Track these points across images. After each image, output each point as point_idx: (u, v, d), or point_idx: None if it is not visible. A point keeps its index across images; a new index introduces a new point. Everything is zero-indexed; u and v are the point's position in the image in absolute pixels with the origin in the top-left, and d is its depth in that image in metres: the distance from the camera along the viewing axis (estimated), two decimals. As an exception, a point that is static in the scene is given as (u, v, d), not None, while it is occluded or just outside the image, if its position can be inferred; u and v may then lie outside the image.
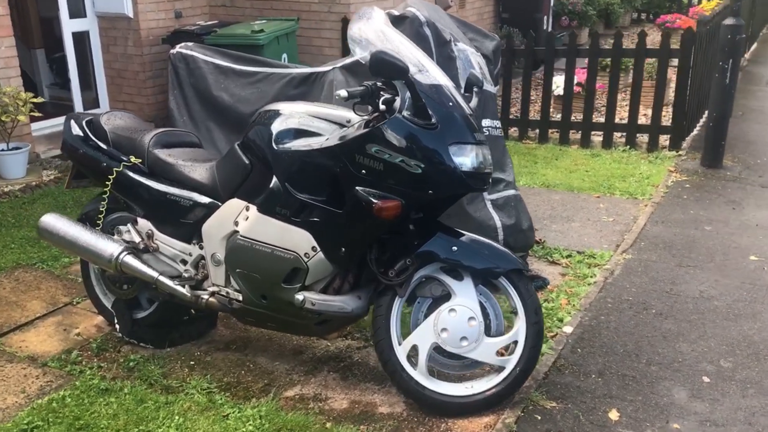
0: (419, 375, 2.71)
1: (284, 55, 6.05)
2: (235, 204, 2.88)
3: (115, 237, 3.14)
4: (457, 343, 2.64)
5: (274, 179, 2.72)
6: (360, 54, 2.62)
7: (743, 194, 5.31)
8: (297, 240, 2.69)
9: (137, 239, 3.09)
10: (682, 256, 4.20)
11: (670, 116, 6.49)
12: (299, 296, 2.73)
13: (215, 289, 2.96)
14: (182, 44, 4.59)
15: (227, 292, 2.94)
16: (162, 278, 3.04)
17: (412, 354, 2.73)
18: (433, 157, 2.48)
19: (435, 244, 2.63)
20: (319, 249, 2.66)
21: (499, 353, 2.70)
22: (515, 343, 2.69)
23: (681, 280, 3.90)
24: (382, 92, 2.55)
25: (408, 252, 2.65)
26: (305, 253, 2.69)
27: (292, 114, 2.80)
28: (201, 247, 2.99)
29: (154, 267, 3.08)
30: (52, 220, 3.21)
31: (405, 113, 2.50)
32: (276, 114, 2.81)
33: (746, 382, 2.94)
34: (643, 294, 3.72)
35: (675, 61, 6.39)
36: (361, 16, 2.75)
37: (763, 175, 5.74)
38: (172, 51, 4.60)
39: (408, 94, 2.51)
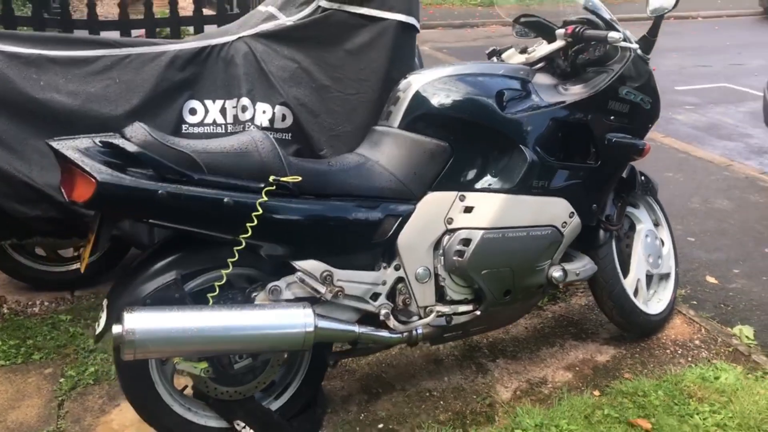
0: (643, 305, 2.75)
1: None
2: (438, 199, 2.23)
3: (279, 300, 2.01)
4: (657, 263, 2.79)
5: (524, 151, 2.25)
6: None
7: None
8: (555, 211, 2.34)
9: (322, 288, 2.06)
10: None
11: None
12: (557, 273, 2.38)
13: (442, 310, 2.26)
14: None
15: (450, 310, 2.29)
16: (364, 329, 2.14)
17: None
18: (655, 90, 2.53)
19: (633, 181, 2.69)
20: (575, 213, 2.39)
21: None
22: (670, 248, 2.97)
23: None
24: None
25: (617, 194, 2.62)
26: (563, 223, 2.36)
27: (476, 72, 2.33)
28: (397, 268, 2.21)
29: (346, 318, 2.14)
30: (146, 320, 1.81)
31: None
32: (456, 78, 2.28)
33: None
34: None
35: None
36: None
37: None
38: None
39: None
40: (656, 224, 2.85)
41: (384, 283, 2.19)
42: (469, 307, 2.32)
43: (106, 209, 1.87)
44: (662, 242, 2.86)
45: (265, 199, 1.93)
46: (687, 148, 5.47)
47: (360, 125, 2.97)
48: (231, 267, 1.94)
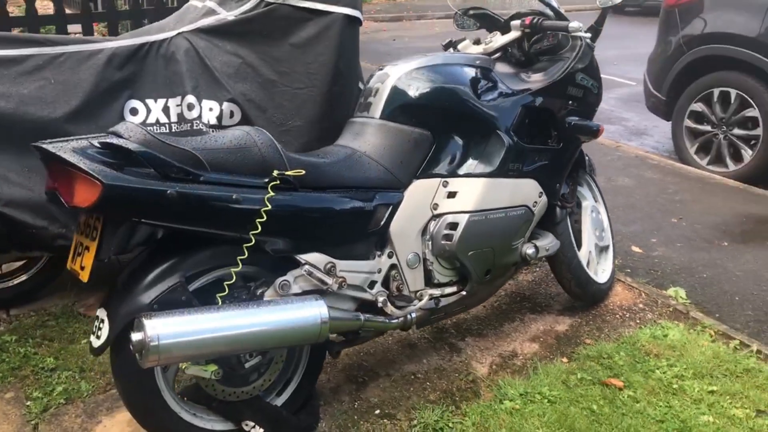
0: (594, 275, 2.95)
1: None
2: (423, 186, 2.31)
3: (288, 294, 2.00)
4: (601, 237, 3.01)
5: (501, 136, 2.36)
6: None
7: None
8: (527, 191, 2.48)
9: (329, 280, 2.06)
10: None
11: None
12: (530, 250, 2.53)
13: (432, 293, 2.33)
14: None
15: (439, 293, 2.37)
16: (367, 316, 2.17)
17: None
18: (600, 76, 2.73)
19: (583, 161, 2.88)
20: (543, 193, 2.54)
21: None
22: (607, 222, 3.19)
23: None
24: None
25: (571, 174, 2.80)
26: (534, 202, 2.51)
27: (450, 63, 2.41)
28: (390, 256, 2.25)
29: (350, 308, 2.16)
30: (168, 325, 1.74)
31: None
32: (432, 69, 2.35)
33: None
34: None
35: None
36: None
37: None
38: None
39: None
40: (595, 200, 3.08)
41: (379, 271, 2.23)
42: (455, 288, 2.41)
43: (113, 212, 1.78)
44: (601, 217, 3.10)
45: (273, 194, 1.91)
46: (579, 133, 5.89)
47: (311, 119, 2.98)
48: (241, 265, 1.91)
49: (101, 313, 1.90)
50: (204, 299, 1.92)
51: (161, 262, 1.92)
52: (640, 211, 4.15)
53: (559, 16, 2.61)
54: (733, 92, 4.79)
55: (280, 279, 2.00)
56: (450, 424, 2.32)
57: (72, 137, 1.87)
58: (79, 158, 1.72)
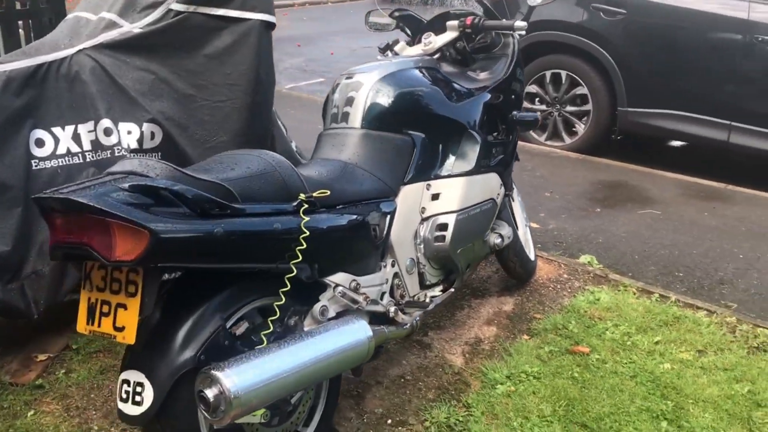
0: (529, 254, 3.14)
1: None
2: (411, 191, 2.33)
3: (327, 318, 1.91)
4: (526, 218, 3.23)
5: (473, 135, 2.43)
6: None
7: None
8: (492, 185, 2.59)
9: (359, 298, 2.00)
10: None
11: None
12: (497, 239, 2.65)
13: (430, 295, 2.35)
14: None
15: (432, 294, 2.40)
16: (391, 329, 2.15)
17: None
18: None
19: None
20: (502, 184, 2.66)
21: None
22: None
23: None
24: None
25: None
26: (497, 194, 2.63)
27: (419, 67, 2.45)
28: (393, 265, 2.24)
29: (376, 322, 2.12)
30: (242, 374, 1.59)
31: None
32: (404, 74, 2.37)
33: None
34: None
35: None
36: None
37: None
38: None
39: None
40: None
41: (387, 282, 2.22)
42: (443, 287, 2.47)
43: (161, 261, 1.58)
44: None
45: (307, 219, 1.82)
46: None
47: (236, 133, 2.84)
48: (284, 298, 1.80)
49: (133, 375, 1.68)
50: (247, 341, 1.79)
51: (192, 308, 1.75)
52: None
53: (491, 14, 2.74)
54: (564, 73, 5.33)
55: (319, 305, 1.92)
56: (460, 418, 2.38)
57: (82, 181, 1.62)
58: (116, 205, 1.51)
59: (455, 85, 2.50)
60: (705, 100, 4.78)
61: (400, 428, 2.34)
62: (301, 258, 1.79)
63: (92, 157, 2.63)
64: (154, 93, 2.74)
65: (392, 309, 2.20)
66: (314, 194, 1.87)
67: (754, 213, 4.17)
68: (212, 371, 1.58)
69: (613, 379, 2.56)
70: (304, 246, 1.79)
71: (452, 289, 2.48)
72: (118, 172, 1.64)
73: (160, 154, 2.78)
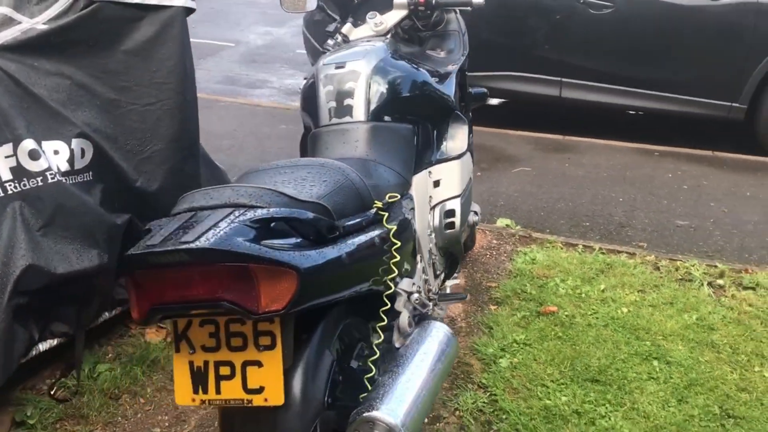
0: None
1: None
2: (421, 181, 2.24)
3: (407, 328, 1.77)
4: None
5: (460, 116, 2.39)
6: None
7: None
8: (469, 164, 2.57)
9: (429, 302, 1.89)
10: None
11: None
12: (474, 216, 2.67)
13: (444, 284, 2.29)
14: None
15: (444, 283, 2.35)
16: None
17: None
18: None
19: None
20: (472, 161, 2.65)
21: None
22: None
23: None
24: None
25: None
26: (472, 172, 2.61)
27: (400, 51, 2.32)
28: (420, 259, 2.14)
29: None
30: (394, 407, 1.43)
31: None
32: (391, 60, 2.23)
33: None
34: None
35: None
36: None
37: None
38: None
39: None
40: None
41: (420, 278, 2.13)
42: (447, 273, 2.43)
43: (307, 302, 1.35)
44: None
45: (394, 227, 1.68)
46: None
47: (171, 138, 2.53)
48: (385, 318, 1.66)
49: None
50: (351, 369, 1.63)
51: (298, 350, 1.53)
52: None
53: None
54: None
55: (405, 317, 1.78)
56: (486, 400, 2.39)
57: (168, 219, 1.32)
58: (255, 248, 1.26)
59: (429, 67, 2.43)
60: (537, 60, 5.18)
61: (438, 424, 2.29)
62: (396, 273, 1.64)
63: (14, 188, 2.14)
64: (74, 101, 2.31)
65: (430, 305, 2.12)
66: (390, 200, 1.71)
67: (602, 159, 4.66)
68: (367, 414, 1.41)
69: (591, 331, 2.74)
70: (398, 258, 1.64)
71: (456, 274, 2.44)
72: (218, 205, 1.36)
73: (90, 174, 2.36)
